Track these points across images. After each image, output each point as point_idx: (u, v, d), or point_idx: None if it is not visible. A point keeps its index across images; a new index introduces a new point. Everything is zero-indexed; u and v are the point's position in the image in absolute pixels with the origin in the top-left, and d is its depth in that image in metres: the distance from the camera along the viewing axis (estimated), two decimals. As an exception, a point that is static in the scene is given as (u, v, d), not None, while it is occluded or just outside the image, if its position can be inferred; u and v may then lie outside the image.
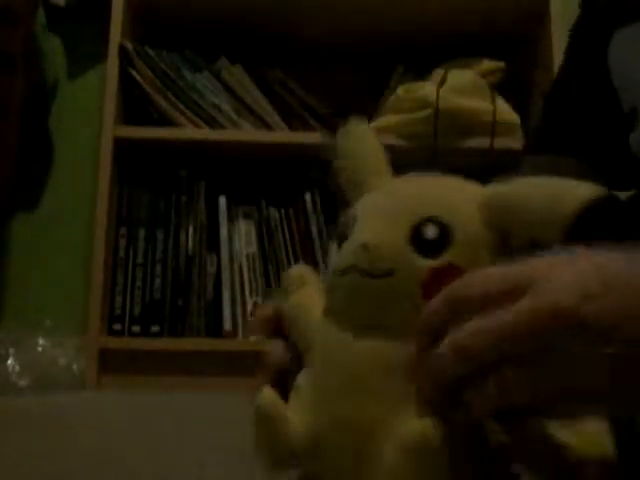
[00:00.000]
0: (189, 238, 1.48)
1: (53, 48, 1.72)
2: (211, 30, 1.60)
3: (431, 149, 1.38)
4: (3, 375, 1.34)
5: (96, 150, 1.49)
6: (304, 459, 0.42)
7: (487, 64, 1.49)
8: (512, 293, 0.35)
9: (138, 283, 1.45)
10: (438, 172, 0.45)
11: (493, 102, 1.41)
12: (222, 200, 1.51)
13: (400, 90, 1.45)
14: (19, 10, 1.49)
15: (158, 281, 1.45)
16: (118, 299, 1.44)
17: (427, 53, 1.56)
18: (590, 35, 0.71)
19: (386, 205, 0.43)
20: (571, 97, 0.73)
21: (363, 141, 0.50)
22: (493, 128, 1.39)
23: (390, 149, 1.56)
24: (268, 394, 0.42)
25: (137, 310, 1.43)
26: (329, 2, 1.52)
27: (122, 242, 1.47)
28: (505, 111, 1.43)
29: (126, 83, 1.48)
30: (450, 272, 0.39)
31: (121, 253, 1.46)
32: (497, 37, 1.61)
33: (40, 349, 1.42)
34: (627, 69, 0.65)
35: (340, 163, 0.49)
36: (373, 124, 1.46)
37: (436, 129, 1.37)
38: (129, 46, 1.47)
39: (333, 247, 0.43)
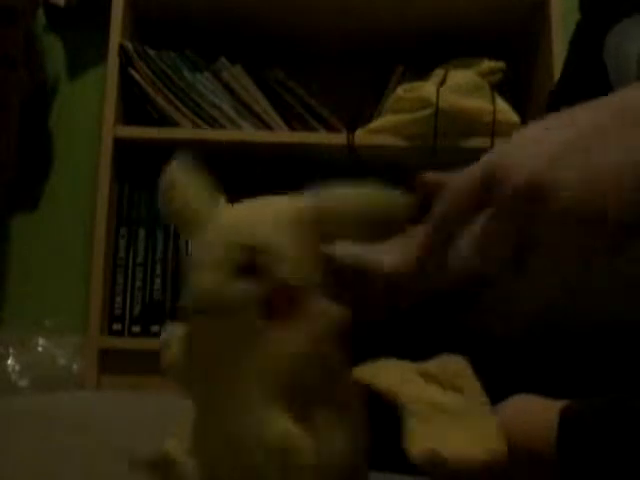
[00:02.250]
0: (189, 238, 1.48)
1: (53, 48, 1.73)
2: (211, 30, 1.60)
3: (431, 149, 1.38)
4: (3, 375, 1.34)
5: (96, 150, 1.49)
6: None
7: (487, 64, 1.49)
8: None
9: (138, 283, 1.45)
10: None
11: (493, 102, 1.41)
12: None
13: (400, 90, 1.45)
14: (19, 10, 1.49)
15: (158, 281, 1.45)
16: (118, 299, 1.44)
17: (427, 53, 1.57)
18: (589, 33, 0.72)
19: (207, 245, 0.44)
20: (572, 96, 0.73)
21: (186, 189, 0.50)
22: (493, 128, 1.39)
23: (390, 149, 1.57)
24: (169, 448, 0.45)
25: (137, 310, 1.43)
26: (329, 2, 1.52)
27: (122, 242, 1.47)
28: (505, 111, 1.43)
29: (126, 83, 1.48)
30: (279, 291, 0.41)
31: (121, 253, 1.46)
32: (497, 37, 1.61)
33: (40, 349, 1.42)
34: (620, 64, 0.65)
35: (170, 212, 0.49)
36: (373, 124, 1.46)
37: (436, 129, 1.38)
38: (129, 46, 1.47)
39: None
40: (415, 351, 0.47)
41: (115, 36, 1.47)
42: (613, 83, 0.67)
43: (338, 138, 1.44)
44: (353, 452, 0.43)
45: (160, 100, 1.46)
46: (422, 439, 0.40)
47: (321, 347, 0.41)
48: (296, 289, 0.42)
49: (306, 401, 0.41)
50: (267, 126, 1.49)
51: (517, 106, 1.46)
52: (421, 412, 0.42)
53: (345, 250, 0.46)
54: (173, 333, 0.48)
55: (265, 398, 0.41)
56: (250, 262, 0.41)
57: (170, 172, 0.51)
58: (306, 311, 0.41)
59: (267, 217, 0.44)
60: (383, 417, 0.43)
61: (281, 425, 0.39)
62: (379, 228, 0.42)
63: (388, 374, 0.45)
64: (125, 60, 1.46)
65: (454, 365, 0.45)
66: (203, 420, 0.45)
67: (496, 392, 0.49)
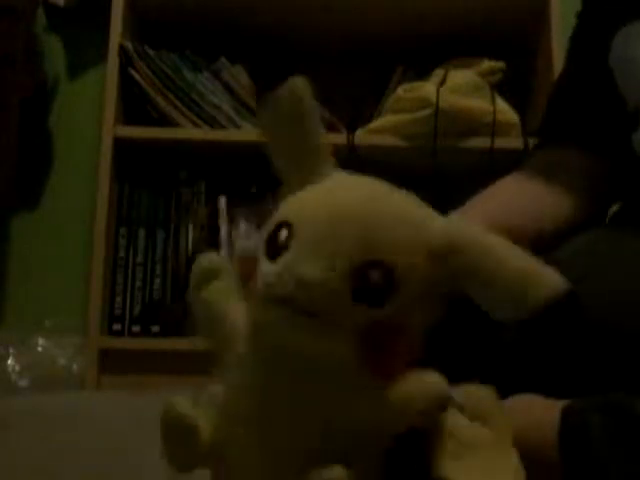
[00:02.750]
0: (189, 238, 1.48)
1: (53, 48, 1.72)
2: (211, 30, 1.60)
3: (431, 149, 1.38)
4: (3, 375, 1.34)
5: (96, 150, 1.48)
6: (208, 465, 0.42)
7: (487, 64, 1.49)
8: None
9: (138, 283, 1.45)
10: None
11: (493, 102, 1.41)
12: (222, 200, 1.51)
13: (400, 90, 1.45)
14: (19, 10, 1.49)
15: (158, 281, 1.45)
16: (118, 299, 1.44)
17: (427, 53, 1.56)
18: (593, 34, 0.71)
19: (326, 230, 0.37)
20: (574, 98, 0.73)
21: (300, 111, 0.43)
22: (493, 128, 1.39)
23: (390, 149, 1.57)
24: (178, 403, 0.40)
25: (137, 310, 1.43)
26: (329, 2, 1.52)
27: (122, 242, 1.47)
28: (505, 111, 1.43)
29: (126, 83, 1.47)
30: (388, 327, 0.36)
31: (121, 253, 1.46)
32: (497, 37, 1.61)
33: (40, 349, 1.42)
34: (631, 67, 0.65)
35: (272, 133, 0.42)
36: (373, 124, 1.46)
37: (436, 129, 1.37)
38: (129, 46, 1.47)
39: (261, 249, 0.39)
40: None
41: (115, 36, 1.47)
42: (621, 87, 0.67)
43: (338, 138, 1.44)
44: None
45: (160, 100, 1.46)
46: (451, 473, 0.39)
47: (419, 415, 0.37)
48: (410, 331, 0.37)
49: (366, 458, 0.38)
50: (267, 126, 1.49)
51: (517, 106, 1.46)
52: (452, 450, 0.40)
53: None
54: (212, 269, 0.42)
55: (329, 441, 0.37)
56: (372, 282, 0.36)
57: (296, 89, 0.43)
58: (414, 370, 0.37)
59: (407, 234, 0.37)
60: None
61: (337, 473, 0.35)
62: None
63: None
64: (125, 60, 1.46)
65: (480, 394, 0.43)
66: (238, 409, 0.40)
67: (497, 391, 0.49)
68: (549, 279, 0.36)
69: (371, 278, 0.36)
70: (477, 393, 0.43)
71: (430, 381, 0.37)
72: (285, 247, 0.37)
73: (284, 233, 0.38)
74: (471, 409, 0.42)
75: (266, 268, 0.38)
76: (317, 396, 0.38)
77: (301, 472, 0.36)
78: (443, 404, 0.37)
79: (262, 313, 0.39)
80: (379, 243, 0.36)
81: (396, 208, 0.39)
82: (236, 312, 0.42)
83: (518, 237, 0.59)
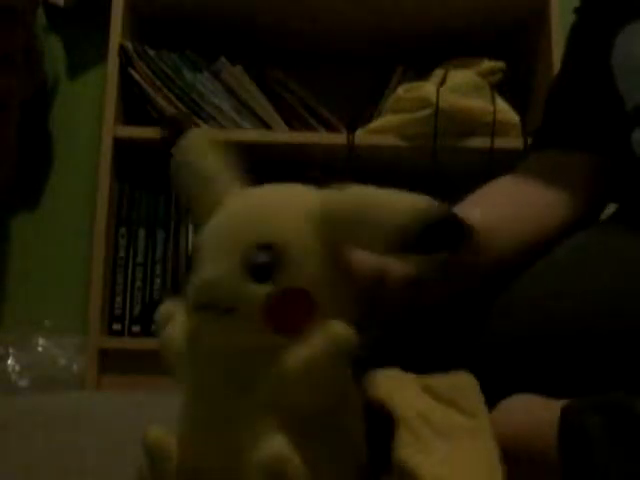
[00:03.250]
0: (189, 238, 1.48)
1: (53, 48, 1.72)
2: (211, 30, 1.60)
3: (431, 149, 1.38)
4: (3, 375, 1.34)
5: (96, 150, 1.48)
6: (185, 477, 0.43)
7: (487, 64, 1.49)
8: None
9: (138, 283, 1.45)
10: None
11: (493, 102, 1.41)
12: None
13: (400, 90, 1.45)
14: (19, 10, 1.49)
15: (158, 281, 1.45)
16: (118, 299, 1.44)
17: (427, 53, 1.56)
18: (594, 32, 0.71)
19: (220, 233, 0.42)
20: (572, 97, 0.73)
21: (203, 157, 0.48)
22: (493, 128, 1.39)
23: (390, 149, 1.57)
24: (152, 430, 0.43)
25: (137, 310, 1.43)
26: (329, 2, 1.52)
27: (122, 242, 1.47)
28: (505, 111, 1.43)
29: (126, 83, 1.48)
30: (288, 295, 0.39)
31: (121, 253, 1.46)
32: (497, 37, 1.61)
33: (40, 349, 1.42)
34: (633, 66, 0.65)
35: (182, 182, 0.48)
36: (373, 124, 1.46)
37: (436, 129, 1.37)
38: (129, 46, 1.47)
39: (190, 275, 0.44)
40: (422, 354, 0.47)
41: (115, 36, 1.47)
42: (621, 86, 0.67)
43: (338, 138, 1.44)
44: (350, 475, 0.42)
45: (160, 100, 1.46)
46: (408, 459, 0.40)
47: (327, 371, 0.39)
48: (311, 297, 0.40)
49: (308, 425, 0.40)
50: (267, 126, 1.49)
51: (517, 106, 1.46)
52: (415, 429, 0.41)
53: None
54: (168, 313, 0.46)
55: (265, 416, 0.39)
56: (265, 260, 0.39)
57: (189, 139, 0.48)
58: (318, 326, 0.39)
59: (289, 211, 0.41)
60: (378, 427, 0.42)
61: (276, 447, 0.38)
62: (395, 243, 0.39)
63: (388, 385, 0.44)
64: (125, 60, 1.46)
65: (460, 382, 0.44)
66: (194, 415, 0.44)
67: (497, 390, 0.49)
68: (406, 206, 0.39)
69: (258, 259, 0.39)
70: (457, 381, 0.44)
71: (331, 326, 0.39)
72: (198, 261, 0.42)
73: (197, 250, 0.43)
74: (450, 397, 0.43)
75: (189, 290, 0.42)
76: (245, 378, 0.41)
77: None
78: (346, 347, 0.39)
79: (190, 322, 0.43)
80: (261, 228, 0.41)
81: (275, 196, 0.44)
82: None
83: (512, 238, 0.60)
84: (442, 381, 0.44)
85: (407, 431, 0.41)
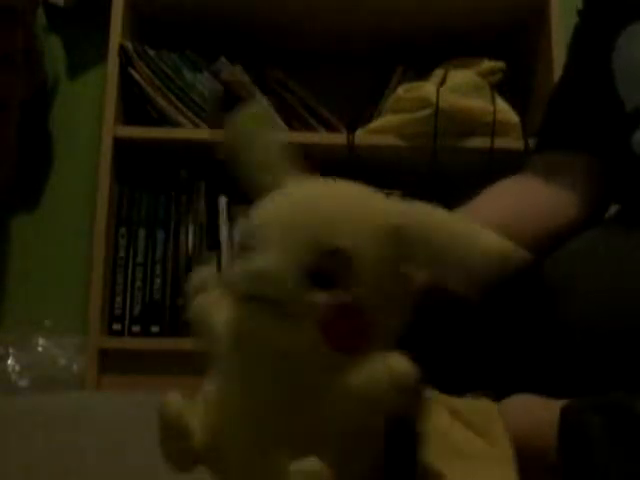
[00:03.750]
0: (189, 238, 1.48)
1: (53, 48, 1.72)
2: (211, 30, 1.60)
3: (431, 149, 1.38)
4: (3, 375, 1.34)
5: (96, 150, 1.48)
6: (206, 462, 0.42)
7: (487, 64, 1.49)
8: None
9: (138, 283, 1.45)
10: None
11: (493, 102, 1.41)
12: (222, 200, 1.51)
13: (400, 90, 1.45)
14: (19, 10, 1.49)
15: (158, 281, 1.45)
16: (118, 299, 1.44)
17: (427, 53, 1.56)
18: (595, 34, 0.71)
19: (286, 225, 0.39)
20: (574, 99, 0.73)
21: (257, 132, 0.45)
22: (493, 128, 1.39)
23: (390, 149, 1.57)
24: (173, 402, 0.42)
25: (137, 310, 1.43)
26: (329, 2, 1.52)
27: (122, 242, 1.47)
28: (505, 111, 1.43)
29: (126, 83, 1.47)
30: (349, 308, 0.38)
31: (121, 253, 1.46)
32: (497, 37, 1.61)
33: (40, 349, 1.42)
34: (632, 67, 0.65)
35: (234, 157, 0.45)
36: (373, 124, 1.46)
37: (436, 129, 1.37)
38: (129, 46, 1.47)
39: (235, 251, 0.41)
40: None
41: (115, 36, 1.47)
42: (621, 87, 0.67)
43: (338, 138, 1.44)
44: None
45: (160, 100, 1.46)
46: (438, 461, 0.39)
47: (385, 401, 0.37)
48: (370, 313, 0.38)
49: (341, 447, 0.39)
50: (267, 126, 1.49)
51: (517, 106, 1.46)
52: (441, 452, 0.40)
53: None
54: (202, 282, 0.44)
55: (300, 431, 0.39)
56: (331, 267, 0.37)
57: (246, 115, 0.44)
58: (377, 353, 0.37)
59: (364, 219, 0.39)
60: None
61: (311, 466, 0.36)
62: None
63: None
64: (125, 60, 1.46)
65: (485, 408, 0.43)
66: (233, 407, 0.42)
67: (499, 390, 0.49)
68: (497, 246, 0.37)
69: (325, 264, 0.37)
70: (479, 406, 0.43)
71: (394, 360, 0.37)
72: (252, 248, 0.40)
73: (250, 236, 0.40)
74: (471, 421, 0.42)
75: (237, 268, 0.40)
76: (294, 384, 0.39)
77: (289, 460, 0.37)
78: (407, 385, 0.37)
79: (234, 311, 0.41)
80: (332, 231, 0.38)
81: (349, 197, 0.41)
82: (221, 315, 0.44)
83: (517, 239, 0.60)
84: (469, 405, 0.43)
85: (433, 446, 0.41)
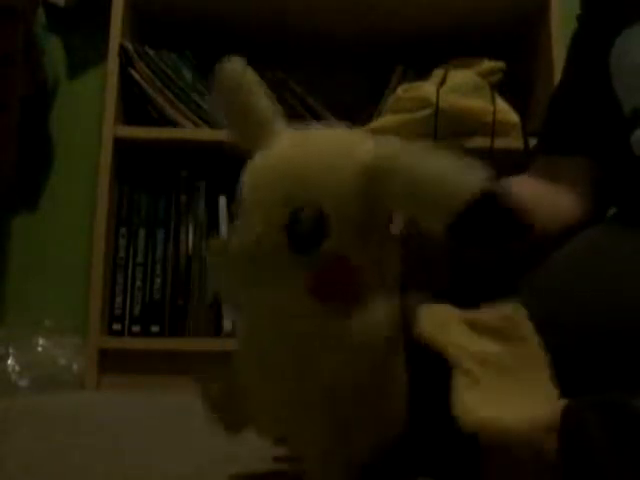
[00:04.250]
0: (189, 238, 1.48)
1: (53, 48, 1.72)
2: (211, 30, 1.60)
3: (431, 149, 1.38)
4: (3, 375, 1.34)
5: (96, 150, 1.48)
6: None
7: (487, 64, 1.49)
8: None
9: (138, 283, 1.45)
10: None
11: (493, 102, 1.41)
12: (222, 200, 1.51)
13: (400, 90, 1.45)
14: (19, 10, 1.49)
15: (158, 281, 1.45)
16: (118, 299, 1.44)
17: (427, 53, 1.56)
18: (594, 37, 0.72)
19: (263, 188, 0.41)
20: (574, 103, 0.74)
21: (241, 89, 0.46)
22: (493, 128, 1.39)
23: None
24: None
25: (137, 310, 1.43)
26: (329, 2, 1.52)
27: (122, 242, 1.47)
28: (505, 111, 1.43)
29: (126, 83, 1.48)
30: (333, 265, 0.38)
31: (121, 253, 1.46)
32: (497, 37, 1.61)
33: (40, 349, 1.42)
34: (629, 69, 0.65)
35: (221, 110, 0.46)
36: (373, 124, 1.46)
37: (436, 129, 1.37)
38: (129, 46, 1.47)
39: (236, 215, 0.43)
40: None
41: (115, 36, 1.47)
42: (619, 89, 0.67)
43: (338, 138, 1.44)
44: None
45: (160, 100, 1.46)
46: (473, 406, 0.37)
47: (373, 354, 0.38)
48: (354, 264, 0.38)
49: (349, 395, 0.39)
50: (267, 126, 1.49)
51: (517, 106, 1.46)
52: (471, 372, 0.39)
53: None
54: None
55: (303, 383, 0.39)
56: (310, 226, 0.38)
57: (233, 70, 0.46)
58: (364, 304, 0.38)
59: (335, 171, 0.39)
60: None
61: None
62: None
63: (433, 320, 0.41)
64: (125, 60, 1.46)
65: (507, 311, 0.41)
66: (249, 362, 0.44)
67: None
68: (467, 180, 0.37)
69: (302, 220, 0.38)
70: (505, 311, 0.42)
71: (382, 312, 0.38)
72: (239, 213, 0.42)
73: (238, 201, 0.42)
74: (496, 327, 0.41)
75: (232, 234, 0.42)
76: (294, 344, 0.40)
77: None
78: (394, 335, 0.38)
79: (235, 272, 0.43)
80: (304, 186, 0.39)
81: (321, 147, 0.41)
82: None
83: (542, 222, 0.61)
84: (489, 314, 0.42)
85: (471, 387, 0.39)
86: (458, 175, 0.37)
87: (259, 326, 0.42)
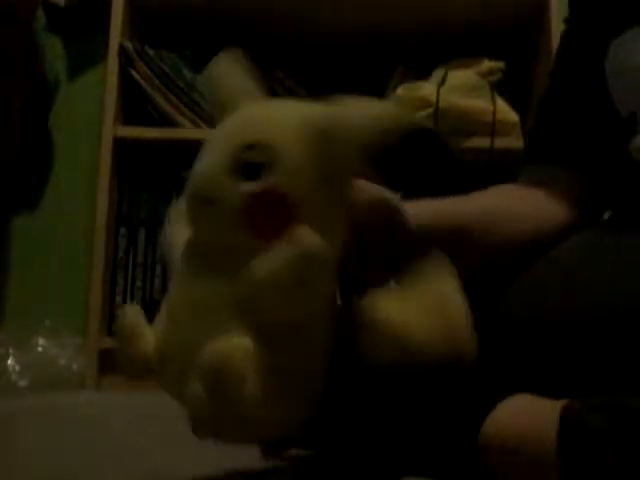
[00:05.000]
0: (189, 238, 1.48)
1: (53, 48, 1.72)
2: (211, 30, 1.60)
3: (431, 149, 1.38)
4: (3, 375, 1.34)
5: (96, 150, 1.48)
6: (155, 370, 0.44)
7: (487, 64, 1.49)
8: None
9: (138, 283, 1.45)
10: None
11: (493, 102, 1.41)
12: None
13: (400, 90, 1.45)
14: (19, 10, 1.49)
15: (158, 281, 1.45)
16: (118, 299, 1.44)
17: (427, 53, 1.56)
18: (585, 44, 0.71)
19: (221, 134, 0.44)
20: (566, 109, 0.72)
21: (227, 74, 0.50)
22: (493, 128, 1.39)
23: (390, 149, 1.50)
24: (130, 311, 0.45)
25: (137, 310, 1.43)
26: (329, 2, 1.52)
27: (122, 242, 1.47)
28: (505, 111, 1.43)
29: (126, 83, 1.48)
30: (271, 197, 0.40)
31: (121, 253, 1.46)
32: (497, 37, 1.61)
33: (40, 349, 1.42)
34: (627, 73, 0.65)
35: (210, 97, 0.50)
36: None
37: (436, 129, 1.37)
38: (129, 46, 1.47)
39: None
40: None
41: (115, 36, 1.47)
42: (615, 93, 0.66)
43: (338, 138, 1.44)
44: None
45: (160, 100, 1.46)
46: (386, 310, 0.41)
47: (293, 284, 0.39)
48: (293, 203, 0.40)
49: (272, 334, 0.40)
50: (267, 126, 1.49)
51: (517, 106, 1.46)
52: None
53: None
54: (177, 214, 0.48)
55: (232, 317, 0.40)
56: (252, 158, 0.40)
57: (223, 61, 0.50)
58: (292, 233, 0.39)
59: (281, 117, 0.42)
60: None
61: (226, 346, 0.39)
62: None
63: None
64: (125, 60, 1.46)
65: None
66: (172, 301, 0.45)
67: (499, 391, 0.49)
68: (403, 112, 0.42)
69: (247, 157, 0.41)
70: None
71: (302, 238, 0.39)
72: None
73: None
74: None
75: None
76: (225, 276, 0.41)
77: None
78: (314, 257, 0.39)
79: (186, 212, 0.44)
80: (255, 128, 0.42)
81: (280, 105, 0.46)
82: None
83: (485, 232, 0.60)
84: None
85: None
86: (393, 109, 0.41)
87: (194, 260, 0.44)
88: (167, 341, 0.44)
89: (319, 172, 0.41)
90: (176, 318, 0.44)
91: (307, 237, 0.39)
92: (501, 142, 1.39)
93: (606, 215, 0.72)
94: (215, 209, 0.41)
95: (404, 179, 0.47)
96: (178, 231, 0.47)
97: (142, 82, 1.46)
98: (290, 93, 1.56)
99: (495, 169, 0.75)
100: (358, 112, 0.41)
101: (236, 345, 0.39)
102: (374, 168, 0.42)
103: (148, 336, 0.44)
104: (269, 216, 0.40)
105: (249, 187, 0.40)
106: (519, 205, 0.66)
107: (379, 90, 1.58)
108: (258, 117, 0.43)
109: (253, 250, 0.40)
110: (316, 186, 0.41)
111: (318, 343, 0.43)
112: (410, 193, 0.51)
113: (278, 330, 0.40)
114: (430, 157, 0.42)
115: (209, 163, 0.42)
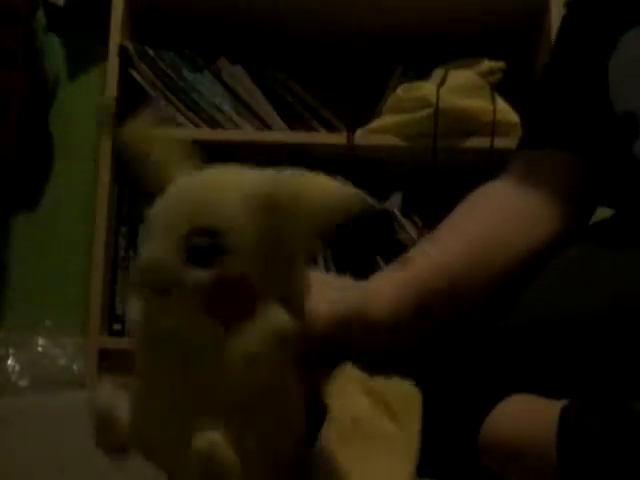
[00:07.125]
0: (189, 238, 1.48)
1: (53, 48, 1.72)
2: (211, 30, 1.60)
3: (431, 149, 1.38)
4: (3, 375, 1.34)
5: (96, 150, 1.48)
6: (134, 449, 0.45)
7: (487, 64, 1.49)
8: None
9: (138, 283, 1.45)
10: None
11: (493, 102, 1.41)
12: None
13: (400, 90, 1.45)
14: (19, 10, 1.49)
15: (158, 281, 1.45)
16: (118, 299, 1.44)
17: (427, 53, 1.56)
18: (588, 36, 0.70)
19: (164, 213, 0.42)
20: (562, 97, 0.71)
21: (148, 143, 0.48)
22: (493, 128, 1.39)
23: (390, 149, 1.57)
24: (103, 395, 0.45)
25: (137, 310, 1.43)
26: (329, 2, 1.52)
27: (122, 241, 1.47)
28: (505, 111, 1.43)
29: (126, 83, 1.48)
30: (230, 281, 0.39)
31: (121, 253, 1.46)
32: (497, 37, 1.61)
33: (40, 349, 1.42)
34: (631, 70, 0.64)
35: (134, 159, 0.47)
36: (373, 124, 1.46)
37: (436, 129, 1.37)
38: (129, 46, 1.47)
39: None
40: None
41: (115, 36, 1.47)
42: (614, 90, 0.66)
43: (338, 138, 1.44)
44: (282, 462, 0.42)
45: (160, 100, 1.46)
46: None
47: (266, 364, 0.39)
48: (251, 283, 0.39)
49: (245, 412, 0.40)
50: (267, 126, 1.49)
51: (517, 106, 1.46)
52: (344, 430, 0.42)
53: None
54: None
55: (205, 405, 0.40)
56: (204, 244, 0.39)
57: (142, 120, 0.47)
58: (257, 315, 0.39)
59: (226, 195, 0.41)
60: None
61: (210, 437, 0.38)
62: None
63: (334, 383, 0.44)
64: (125, 60, 1.46)
65: (403, 390, 0.44)
66: (141, 394, 0.45)
67: (497, 391, 0.49)
68: (352, 193, 0.39)
69: (196, 242, 0.39)
70: (400, 388, 0.44)
71: (272, 317, 0.39)
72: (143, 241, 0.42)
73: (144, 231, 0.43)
74: (387, 402, 0.43)
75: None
76: (191, 364, 0.41)
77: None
78: (285, 339, 0.39)
79: (139, 300, 0.43)
80: (201, 210, 0.40)
81: (223, 176, 0.43)
82: None
83: (485, 270, 0.59)
84: (389, 386, 0.44)
85: (334, 430, 0.42)
86: (343, 191, 0.39)
87: (155, 350, 0.44)
88: (140, 430, 0.44)
89: (272, 246, 0.40)
90: (145, 409, 0.44)
91: (276, 315, 0.39)
92: (501, 142, 1.39)
93: (607, 215, 0.71)
94: (171, 300, 0.40)
95: (354, 258, 0.47)
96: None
97: (142, 82, 1.46)
98: (290, 93, 1.56)
99: (495, 169, 0.74)
100: (308, 186, 0.40)
101: (216, 440, 0.38)
102: (325, 245, 0.42)
103: (123, 419, 0.44)
104: (231, 300, 0.39)
105: (205, 275, 0.39)
106: (504, 233, 0.63)
107: (379, 90, 1.58)
108: (200, 196, 0.41)
109: (219, 337, 0.39)
110: (272, 260, 0.40)
111: (290, 414, 0.43)
112: (359, 272, 0.51)
113: (250, 411, 0.40)
114: (381, 240, 0.41)
115: (156, 250, 0.40)
